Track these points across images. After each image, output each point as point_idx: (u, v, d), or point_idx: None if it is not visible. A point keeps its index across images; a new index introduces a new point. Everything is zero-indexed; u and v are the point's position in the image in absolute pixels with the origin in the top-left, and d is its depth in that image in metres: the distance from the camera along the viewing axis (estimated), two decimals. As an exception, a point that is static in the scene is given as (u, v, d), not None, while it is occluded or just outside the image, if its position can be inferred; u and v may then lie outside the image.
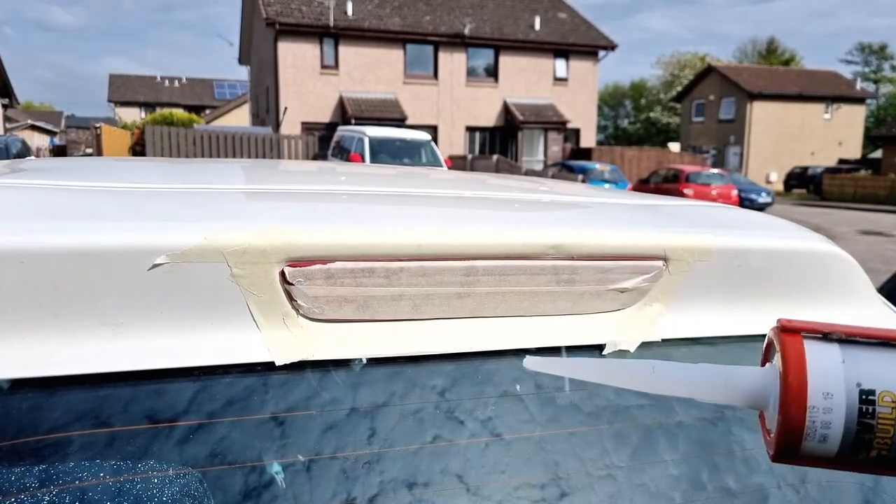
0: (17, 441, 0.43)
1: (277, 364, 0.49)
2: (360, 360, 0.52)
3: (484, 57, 20.81)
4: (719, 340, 0.65)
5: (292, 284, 0.49)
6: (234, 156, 13.81)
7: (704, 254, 0.62)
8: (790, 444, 0.27)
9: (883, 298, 0.77)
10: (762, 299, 0.67)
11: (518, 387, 0.56)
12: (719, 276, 0.64)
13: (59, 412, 0.45)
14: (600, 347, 0.60)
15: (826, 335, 0.28)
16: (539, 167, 19.24)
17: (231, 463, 0.46)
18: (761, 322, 0.67)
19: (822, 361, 0.27)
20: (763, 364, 0.32)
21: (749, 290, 0.66)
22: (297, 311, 0.50)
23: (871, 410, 0.26)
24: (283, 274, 0.49)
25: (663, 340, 0.62)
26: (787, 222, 0.78)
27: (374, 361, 0.53)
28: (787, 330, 0.29)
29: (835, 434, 0.26)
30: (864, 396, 0.26)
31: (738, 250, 0.65)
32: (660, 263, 0.61)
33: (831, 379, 0.27)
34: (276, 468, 0.47)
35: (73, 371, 0.45)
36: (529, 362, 0.36)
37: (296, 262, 0.49)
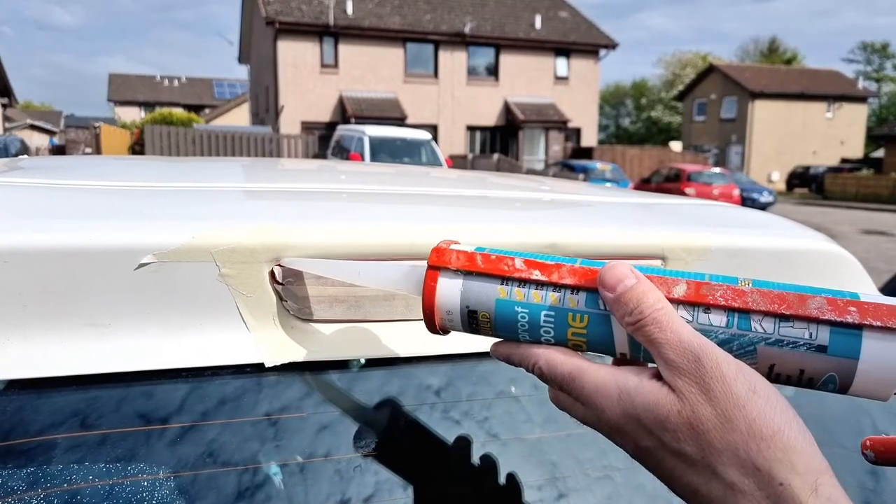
0: (2, 444, 0.42)
1: (267, 365, 0.48)
2: (352, 361, 0.51)
3: (484, 56, 20.79)
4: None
5: (282, 284, 0.49)
6: (233, 155, 13.80)
7: (703, 253, 0.61)
8: (431, 329, 0.43)
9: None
10: None
11: (513, 388, 0.55)
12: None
13: (43, 415, 0.44)
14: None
15: (455, 270, 0.41)
16: (540, 166, 19.23)
17: (221, 466, 0.46)
18: None
19: (447, 289, 0.41)
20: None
21: None
22: (287, 311, 0.49)
23: (475, 321, 0.41)
24: (272, 273, 0.48)
25: None
26: (788, 221, 0.77)
27: (367, 362, 0.52)
28: (431, 267, 0.41)
29: (458, 328, 0.42)
30: (470, 314, 0.41)
31: (738, 249, 0.64)
32: (658, 263, 0.60)
33: (451, 302, 0.41)
34: (266, 471, 0.46)
35: (59, 373, 0.44)
36: (286, 261, 0.48)
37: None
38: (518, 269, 0.40)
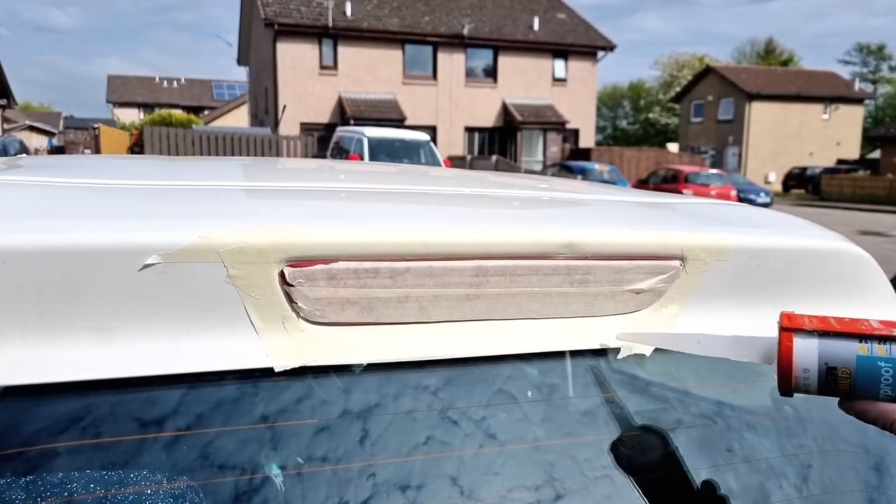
0: (1, 452, 0.40)
1: (276, 370, 0.47)
2: (364, 365, 0.50)
3: (483, 57, 20.80)
4: None
5: (292, 286, 0.47)
6: (232, 156, 13.75)
7: (723, 253, 0.60)
8: (784, 392, 0.45)
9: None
10: (782, 299, 0.64)
11: (530, 393, 0.54)
12: (738, 277, 0.62)
13: (44, 422, 0.42)
14: (615, 351, 0.57)
15: (810, 331, 0.44)
16: (538, 167, 19.25)
17: (227, 475, 0.44)
18: None
19: (803, 349, 0.44)
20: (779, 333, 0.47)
21: (768, 290, 0.64)
22: (297, 313, 0.48)
23: (833, 378, 0.43)
24: (282, 274, 0.47)
25: None
26: (805, 221, 0.76)
27: (379, 367, 0.50)
28: (785, 329, 0.44)
29: (813, 388, 0.44)
30: (829, 371, 0.43)
31: (758, 249, 0.62)
32: (677, 263, 0.58)
33: (809, 360, 0.43)
34: (275, 480, 0.44)
35: (60, 378, 0.42)
36: (622, 335, 0.55)
37: (296, 262, 0.47)
38: (876, 327, 0.43)
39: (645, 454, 0.55)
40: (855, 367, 0.42)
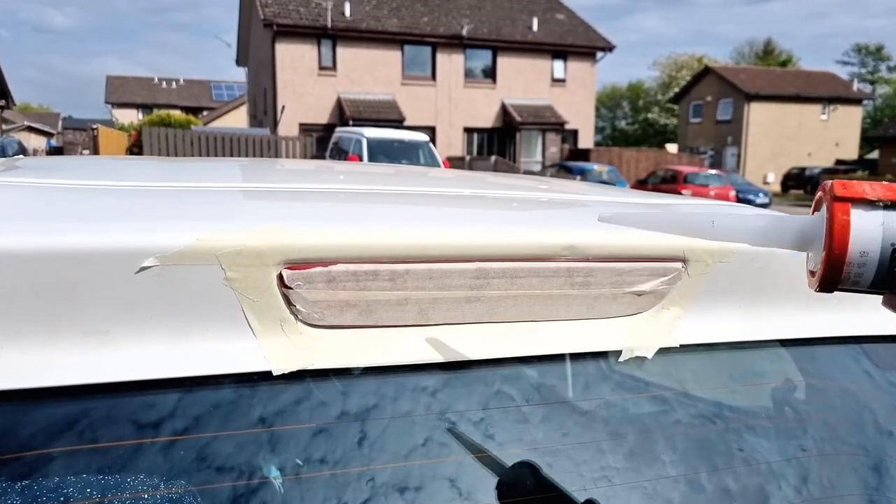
0: (-5, 458, 0.40)
1: (275, 373, 0.46)
2: (364, 368, 0.49)
3: (482, 58, 20.81)
4: (739, 346, 0.63)
5: (291, 288, 0.46)
6: (231, 157, 13.76)
7: (725, 255, 0.60)
8: (827, 287, 0.34)
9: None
10: (784, 302, 0.64)
11: (531, 396, 0.53)
12: (740, 278, 0.61)
13: (40, 426, 0.42)
14: (616, 354, 0.57)
15: (873, 202, 0.33)
16: (537, 168, 19.26)
17: (226, 479, 0.43)
18: (782, 327, 0.64)
19: (864, 225, 0.33)
20: (812, 212, 0.37)
21: (770, 292, 0.63)
22: (295, 316, 0.47)
23: None
24: (280, 277, 0.46)
25: (681, 346, 0.59)
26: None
27: (378, 370, 0.50)
28: (838, 198, 0.33)
29: (865, 281, 0.34)
30: (894, 253, 0.33)
31: (760, 251, 0.62)
32: (678, 265, 0.58)
33: (869, 240, 0.33)
34: (274, 483, 0.44)
35: (56, 382, 0.42)
36: (603, 215, 0.41)
37: (294, 265, 0.46)
38: None
39: (645, 456, 0.54)
40: None
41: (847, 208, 0.33)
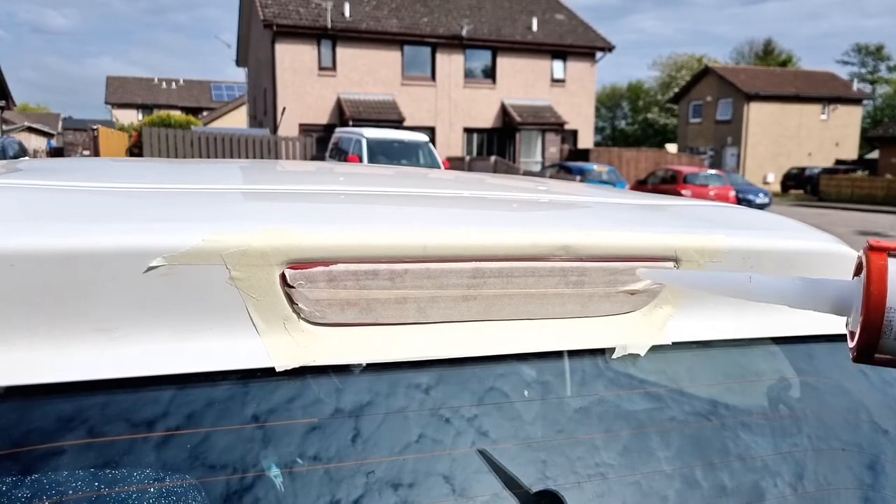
0: (6, 452, 0.41)
1: (278, 370, 0.48)
2: (364, 365, 0.51)
3: (481, 58, 20.81)
4: (732, 343, 0.64)
5: (293, 287, 0.48)
6: (231, 158, 13.79)
7: (716, 255, 0.61)
8: (869, 344, 0.33)
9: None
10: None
11: (526, 392, 0.55)
12: None
13: (50, 421, 0.43)
14: (609, 351, 0.58)
15: None
16: (537, 168, 19.25)
17: (231, 473, 0.45)
18: (774, 325, 0.66)
19: None
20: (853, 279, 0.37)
21: None
22: (298, 314, 0.49)
23: None
24: (283, 276, 0.47)
25: (674, 344, 0.60)
26: (799, 223, 0.77)
27: (378, 367, 0.51)
28: (875, 249, 0.34)
29: None
30: None
31: (751, 251, 0.63)
32: (671, 265, 0.59)
33: None
34: (278, 479, 0.45)
35: (66, 378, 0.43)
36: (642, 272, 0.45)
37: (297, 264, 0.48)
38: None
39: (639, 453, 0.56)
40: None
41: (884, 258, 0.34)
